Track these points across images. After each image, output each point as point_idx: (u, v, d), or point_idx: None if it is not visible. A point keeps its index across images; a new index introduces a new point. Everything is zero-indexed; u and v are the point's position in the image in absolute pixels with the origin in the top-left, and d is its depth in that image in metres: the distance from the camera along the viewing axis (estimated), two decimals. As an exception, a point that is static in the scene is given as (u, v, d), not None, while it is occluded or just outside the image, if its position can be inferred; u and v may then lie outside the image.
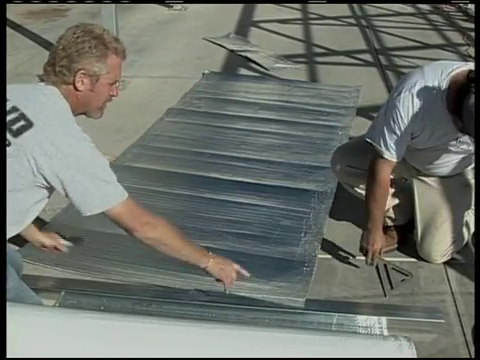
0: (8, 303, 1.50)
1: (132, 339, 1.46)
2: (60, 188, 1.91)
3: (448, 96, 2.30)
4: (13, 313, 1.46)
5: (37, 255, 2.66)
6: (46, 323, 1.50)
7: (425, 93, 2.35)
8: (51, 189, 1.98)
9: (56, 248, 2.57)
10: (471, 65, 2.32)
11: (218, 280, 2.24)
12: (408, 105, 2.37)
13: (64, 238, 2.61)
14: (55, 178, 1.88)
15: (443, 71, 2.33)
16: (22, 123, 1.87)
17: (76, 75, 1.97)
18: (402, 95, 2.37)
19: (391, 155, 2.47)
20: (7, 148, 1.84)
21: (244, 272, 2.27)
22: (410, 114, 2.38)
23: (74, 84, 1.99)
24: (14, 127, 1.86)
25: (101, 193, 1.92)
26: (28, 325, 1.46)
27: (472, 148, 2.43)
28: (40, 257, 2.65)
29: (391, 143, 2.44)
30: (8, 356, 1.35)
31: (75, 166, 1.88)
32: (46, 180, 1.90)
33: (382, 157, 2.48)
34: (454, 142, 2.45)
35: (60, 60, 1.98)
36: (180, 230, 2.15)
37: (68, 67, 1.97)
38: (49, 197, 2.05)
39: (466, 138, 2.40)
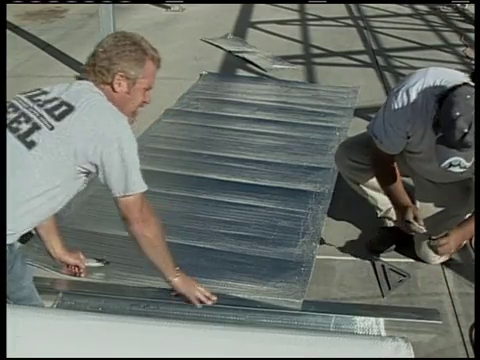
0: (8, 304, 1.51)
1: (130, 340, 1.46)
2: (99, 166, 1.99)
3: (437, 109, 2.26)
4: (13, 314, 1.46)
5: (34, 256, 2.65)
6: (45, 324, 1.50)
7: (419, 97, 2.36)
8: (80, 181, 2.06)
9: (76, 268, 2.59)
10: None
11: (176, 295, 2.36)
12: (401, 104, 2.41)
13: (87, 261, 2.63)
14: (96, 156, 1.97)
15: (444, 80, 2.31)
16: (64, 108, 1.98)
17: (115, 76, 2.08)
18: (399, 93, 2.42)
19: (384, 147, 2.54)
20: (50, 132, 1.94)
21: (210, 296, 2.37)
22: (401, 113, 2.41)
23: (112, 85, 2.09)
24: (57, 112, 1.97)
25: (128, 179, 2.02)
26: (27, 326, 1.47)
27: (466, 172, 2.27)
28: (38, 258, 2.65)
29: (385, 135, 2.50)
30: (8, 356, 1.36)
31: (115, 144, 1.98)
32: (87, 160, 1.98)
33: (377, 147, 2.56)
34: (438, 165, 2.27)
35: (100, 61, 2.08)
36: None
37: (108, 68, 2.07)
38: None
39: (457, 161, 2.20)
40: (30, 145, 1.91)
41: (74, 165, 1.98)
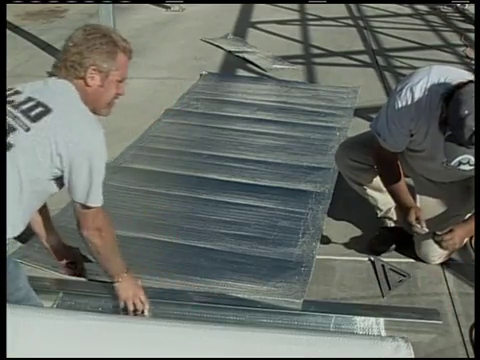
0: (8, 304, 1.50)
1: (130, 340, 1.46)
2: (67, 171, 1.98)
3: (443, 108, 2.27)
4: (13, 314, 1.46)
5: (34, 256, 2.65)
6: (45, 324, 1.50)
7: (423, 95, 2.36)
8: (53, 184, 2.05)
9: (75, 265, 2.59)
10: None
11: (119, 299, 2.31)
12: (404, 102, 2.40)
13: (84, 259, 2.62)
14: (68, 161, 1.96)
15: (448, 78, 2.31)
16: (40, 109, 1.95)
17: (87, 70, 2.05)
18: (403, 91, 2.42)
19: (388, 145, 2.54)
20: (26, 134, 1.91)
21: (145, 305, 2.31)
22: (405, 111, 2.41)
23: (85, 79, 2.06)
24: (32, 113, 1.94)
25: (90, 191, 2.01)
26: (27, 326, 1.47)
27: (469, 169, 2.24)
28: (37, 258, 2.65)
29: (388, 133, 2.50)
30: (8, 356, 1.36)
31: (88, 155, 1.97)
32: (61, 163, 1.96)
33: (380, 146, 2.56)
34: (445, 164, 2.29)
35: (72, 56, 2.05)
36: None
37: (79, 62, 2.04)
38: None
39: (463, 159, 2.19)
40: (7, 147, 1.88)
41: (50, 167, 1.97)
